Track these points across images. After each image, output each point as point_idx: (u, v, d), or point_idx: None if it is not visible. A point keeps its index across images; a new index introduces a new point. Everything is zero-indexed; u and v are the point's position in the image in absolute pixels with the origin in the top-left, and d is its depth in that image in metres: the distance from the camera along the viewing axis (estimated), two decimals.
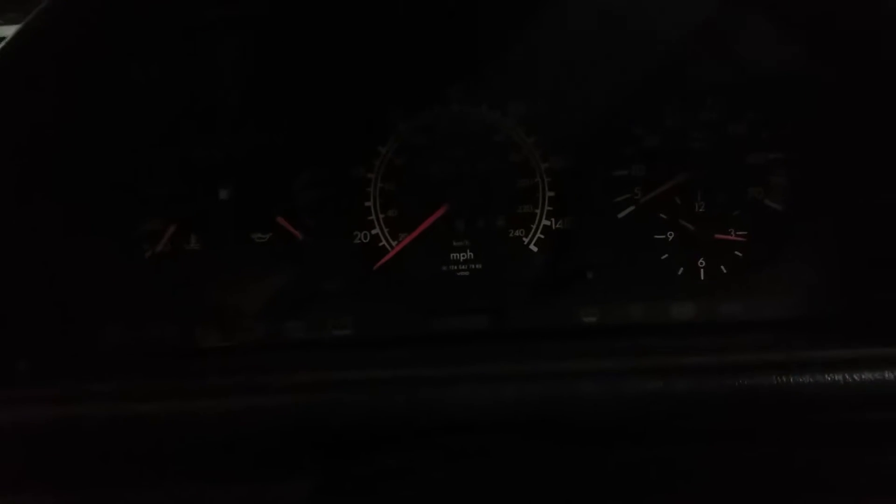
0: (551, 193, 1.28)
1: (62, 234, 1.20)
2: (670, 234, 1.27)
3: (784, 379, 0.94)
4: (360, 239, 1.28)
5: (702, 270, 1.27)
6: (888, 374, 0.95)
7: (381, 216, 1.28)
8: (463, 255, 1.29)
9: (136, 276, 1.25)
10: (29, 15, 0.97)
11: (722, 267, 1.27)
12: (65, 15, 1.00)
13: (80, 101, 1.16)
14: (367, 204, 1.28)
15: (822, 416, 0.97)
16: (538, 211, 1.28)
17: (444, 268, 1.29)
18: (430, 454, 0.96)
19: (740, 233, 1.27)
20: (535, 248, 1.28)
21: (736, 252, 1.27)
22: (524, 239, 1.28)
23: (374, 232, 1.28)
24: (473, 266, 1.29)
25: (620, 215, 1.27)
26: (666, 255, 1.27)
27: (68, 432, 0.93)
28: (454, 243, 1.28)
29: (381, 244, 1.28)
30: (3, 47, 0.97)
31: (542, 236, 1.28)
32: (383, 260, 1.27)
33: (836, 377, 0.95)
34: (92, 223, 1.22)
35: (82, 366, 1.13)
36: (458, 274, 1.29)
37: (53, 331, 1.18)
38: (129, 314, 1.23)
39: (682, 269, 1.27)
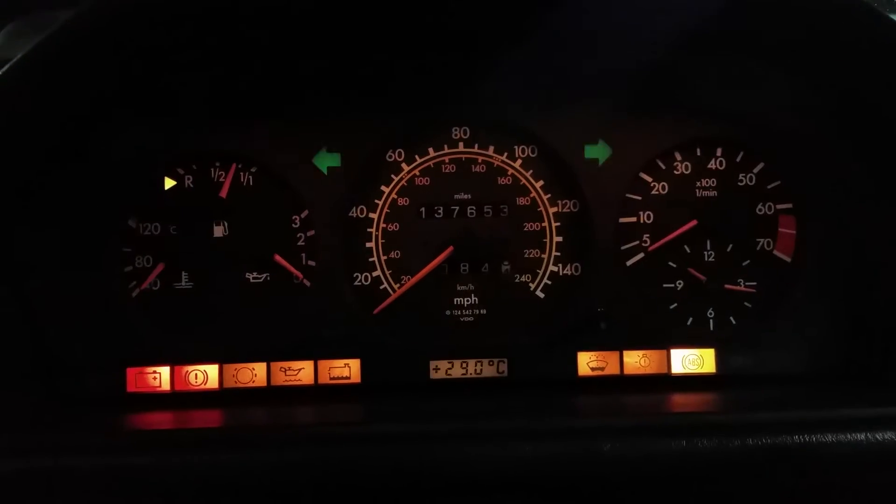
0: (559, 239, 1.25)
1: (45, 270, 1.14)
2: (679, 283, 1.25)
3: (807, 438, 0.92)
4: (360, 281, 1.24)
5: (711, 321, 1.25)
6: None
7: (382, 258, 1.24)
8: (467, 300, 1.25)
9: (123, 314, 1.19)
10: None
11: (731, 318, 1.25)
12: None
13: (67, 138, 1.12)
14: (368, 245, 1.24)
15: (844, 477, 0.95)
16: (545, 256, 1.25)
17: (448, 312, 1.25)
18: None
19: (749, 283, 1.25)
20: (541, 295, 1.26)
21: (745, 303, 1.25)
22: (530, 285, 1.26)
23: (375, 274, 1.24)
24: (478, 311, 1.25)
25: (629, 263, 1.25)
26: (675, 305, 1.25)
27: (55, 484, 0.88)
28: (458, 287, 1.25)
29: (382, 287, 1.24)
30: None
31: (549, 282, 1.25)
32: (385, 304, 1.23)
33: (859, 437, 0.93)
34: (76, 258, 1.17)
35: (65, 413, 1.07)
36: (462, 319, 1.25)
37: (34, 375, 1.11)
38: (113, 356, 1.17)
39: (691, 319, 1.25)
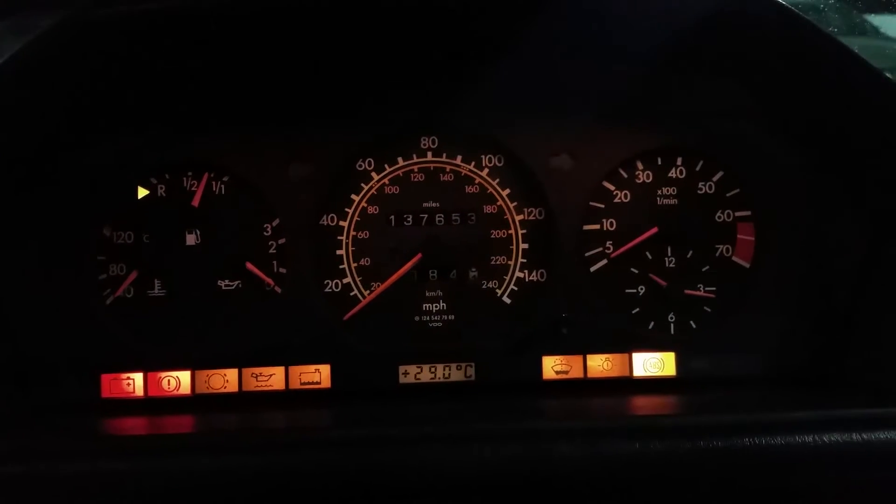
0: (525, 245, 1.28)
1: (19, 278, 1.16)
2: (641, 289, 1.28)
3: (757, 441, 0.95)
4: (331, 288, 1.26)
5: (672, 325, 1.28)
6: (856, 436, 0.96)
7: (353, 265, 1.26)
8: (436, 306, 1.27)
9: (97, 321, 1.20)
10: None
11: (692, 322, 1.28)
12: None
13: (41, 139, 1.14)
14: (339, 252, 1.26)
15: (794, 478, 0.98)
16: (512, 263, 1.28)
17: (417, 318, 1.27)
18: None
19: (709, 289, 1.28)
20: (508, 300, 1.28)
21: (705, 307, 1.29)
22: (497, 290, 1.28)
23: (345, 281, 1.26)
24: (446, 317, 1.27)
25: (592, 269, 1.28)
26: (637, 310, 1.28)
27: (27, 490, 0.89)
28: (427, 293, 1.27)
29: (352, 293, 1.26)
30: None
31: (516, 288, 1.28)
32: (355, 310, 1.25)
33: (807, 439, 0.96)
34: (51, 266, 1.18)
35: (39, 419, 1.08)
36: (431, 325, 1.27)
37: (8, 381, 1.13)
38: (87, 363, 1.19)
39: (652, 323, 1.28)
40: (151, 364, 1.20)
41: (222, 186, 1.24)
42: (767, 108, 1.22)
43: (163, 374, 1.20)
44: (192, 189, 1.24)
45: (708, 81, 1.19)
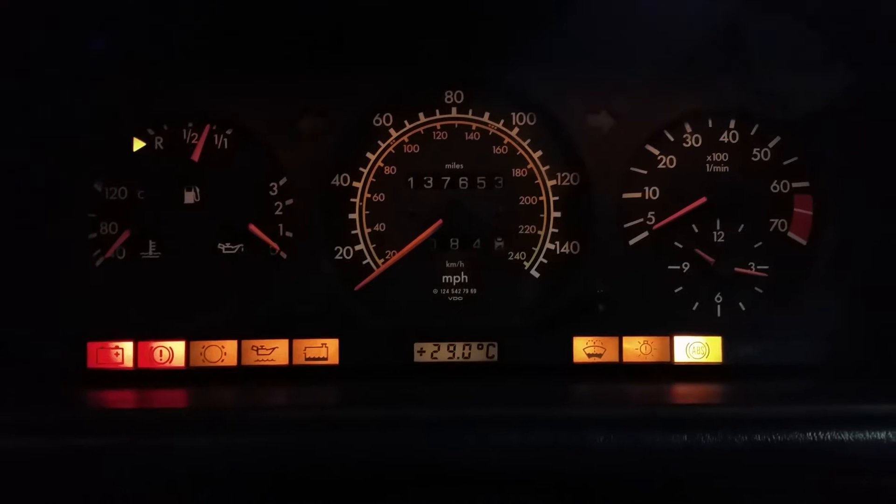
0: (557, 214, 1.18)
1: (1, 234, 1.07)
2: (685, 266, 1.18)
3: (822, 435, 0.85)
4: (341, 255, 1.17)
5: (718, 307, 1.18)
6: None
7: (366, 231, 1.17)
8: (456, 278, 1.18)
9: (85, 285, 1.12)
10: None
11: (741, 304, 1.18)
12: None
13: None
14: (351, 216, 1.17)
15: (860, 479, 0.88)
16: (542, 233, 1.18)
17: (435, 291, 1.18)
18: None
19: (761, 267, 1.18)
20: (536, 274, 1.19)
21: (756, 288, 1.18)
22: (525, 263, 1.19)
23: (358, 248, 1.17)
24: (468, 290, 1.18)
25: (632, 242, 1.18)
26: (680, 289, 1.18)
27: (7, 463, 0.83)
28: (447, 264, 1.18)
29: (365, 262, 1.17)
30: None
31: (545, 261, 1.18)
32: (367, 280, 1.16)
33: (879, 435, 0.86)
34: (35, 223, 1.10)
35: (19, 390, 1.00)
36: (451, 298, 1.18)
37: None
38: (73, 330, 1.11)
39: (697, 304, 1.18)
40: (142, 333, 1.13)
41: (225, 140, 1.17)
42: (840, 72, 1.10)
43: (155, 345, 1.13)
44: (193, 142, 1.16)
45: (775, 36, 1.08)
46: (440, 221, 1.15)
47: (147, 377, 1.11)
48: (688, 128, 1.18)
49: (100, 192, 1.15)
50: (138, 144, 1.15)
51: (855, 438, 0.85)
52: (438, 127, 1.18)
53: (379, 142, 1.17)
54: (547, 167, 1.18)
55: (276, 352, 1.13)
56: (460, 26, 1.12)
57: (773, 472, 0.86)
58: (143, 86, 1.14)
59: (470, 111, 1.18)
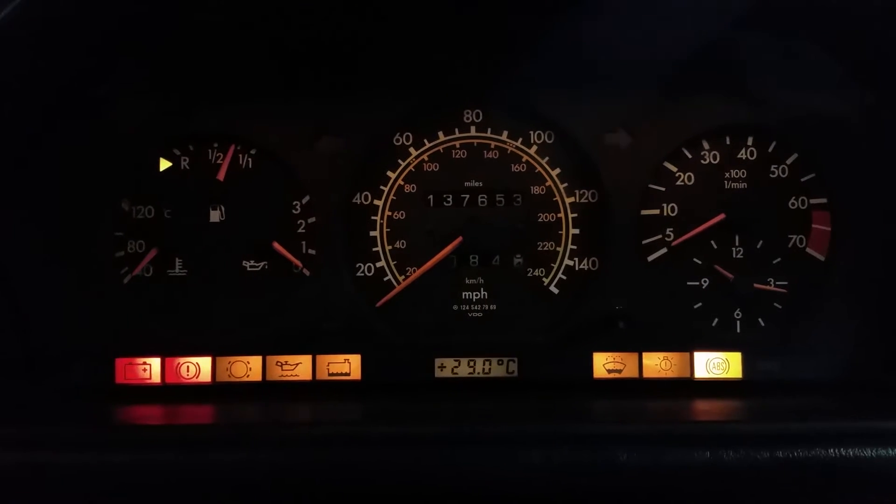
0: (575, 231, 1.18)
1: (30, 254, 1.09)
2: (705, 281, 1.18)
3: (844, 452, 0.84)
4: (363, 272, 1.18)
5: (738, 322, 1.18)
6: None
7: (387, 248, 1.18)
8: (476, 295, 1.19)
9: (113, 302, 1.14)
10: None
11: (760, 320, 1.18)
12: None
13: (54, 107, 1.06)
14: (372, 234, 1.18)
15: (883, 496, 0.87)
16: (560, 249, 1.19)
17: (455, 307, 1.19)
18: None
19: (780, 283, 1.17)
20: (555, 290, 1.19)
21: (775, 304, 1.18)
22: (544, 279, 1.19)
23: (379, 265, 1.18)
24: (487, 307, 1.19)
25: (650, 258, 1.18)
26: (699, 304, 1.18)
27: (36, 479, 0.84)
28: (467, 281, 1.19)
29: (386, 278, 1.18)
30: None
31: (564, 277, 1.18)
32: (388, 296, 1.17)
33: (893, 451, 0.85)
34: (65, 241, 1.12)
35: (48, 406, 1.02)
36: (471, 314, 1.19)
37: (18, 365, 1.06)
38: (101, 346, 1.12)
39: (716, 319, 1.18)
40: (169, 349, 1.14)
41: (249, 160, 1.18)
42: (856, 86, 1.10)
43: (181, 360, 1.14)
44: (218, 162, 1.18)
45: (791, 50, 1.07)
46: (460, 238, 1.16)
47: (174, 392, 1.13)
48: (705, 145, 1.18)
49: (127, 212, 1.16)
50: (165, 164, 1.17)
51: (878, 455, 0.84)
52: (458, 145, 1.19)
53: (399, 160, 1.18)
54: (565, 184, 1.18)
55: (299, 367, 1.14)
56: (478, 47, 1.12)
57: (795, 488, 0.85)
58: (169, 108, 1.15)
59: (489, 130, 1.19)
